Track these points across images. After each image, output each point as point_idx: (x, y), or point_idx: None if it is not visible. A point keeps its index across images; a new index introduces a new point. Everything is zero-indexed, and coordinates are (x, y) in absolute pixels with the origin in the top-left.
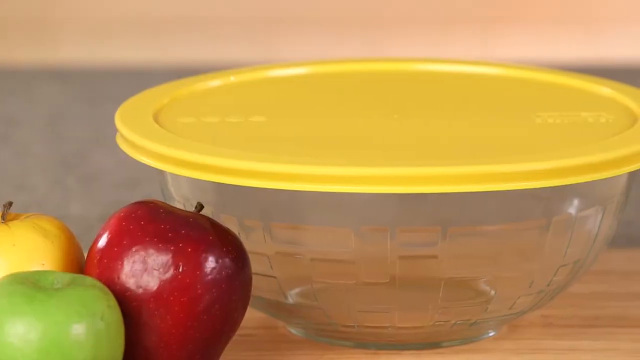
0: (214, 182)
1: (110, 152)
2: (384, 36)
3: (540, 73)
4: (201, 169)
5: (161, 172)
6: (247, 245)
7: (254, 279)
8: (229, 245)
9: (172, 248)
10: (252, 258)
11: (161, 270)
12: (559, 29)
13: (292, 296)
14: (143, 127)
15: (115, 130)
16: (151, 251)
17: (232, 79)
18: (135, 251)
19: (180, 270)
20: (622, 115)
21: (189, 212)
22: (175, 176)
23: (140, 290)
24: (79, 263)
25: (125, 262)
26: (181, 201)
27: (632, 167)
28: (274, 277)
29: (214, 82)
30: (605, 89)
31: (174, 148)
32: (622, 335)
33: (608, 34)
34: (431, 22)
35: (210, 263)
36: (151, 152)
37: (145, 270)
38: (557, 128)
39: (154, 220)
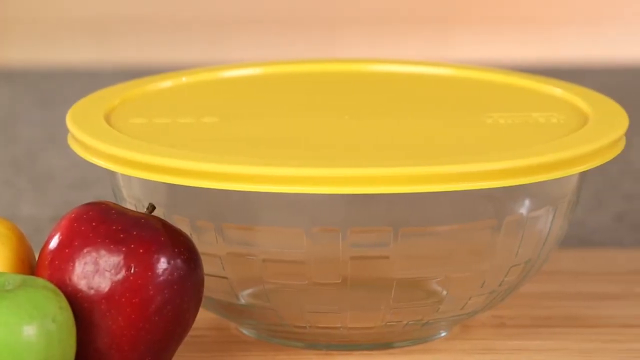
0: (166, 183)
1: (61, 153)
2: (337, 37)
3: (492, 73)
4: (152, 170)
5: (112, 173)
6: (199, 246)
7: (206, 280)
8: (181, 246)
9: (123, 249)
10: (204, 259)
11: (113, 271)
12: (512, 30)
13: (244, 297)
14: (94, 128)
15: (67, 131)
16: (103, 252)
17: (184, 79)
18: (86, 252)
19: (132, 271)
20: (573, 115)
21: (141, 213)
22: (127, 177)
23: (92, 292)
24: (30, 264)
25: (77, 264)
26: (133, 202)
27: (583, 168)
28: (226, 278)
29: (165, 83)
30: (556, 90)
31: (125, 149)
32: (573, 336)
33: (560, 35)
34: (385, 22)
35: (162, 264)
36: (102, 153)
37: (97, 271)
38: (508, 128)
39: (106, 221)
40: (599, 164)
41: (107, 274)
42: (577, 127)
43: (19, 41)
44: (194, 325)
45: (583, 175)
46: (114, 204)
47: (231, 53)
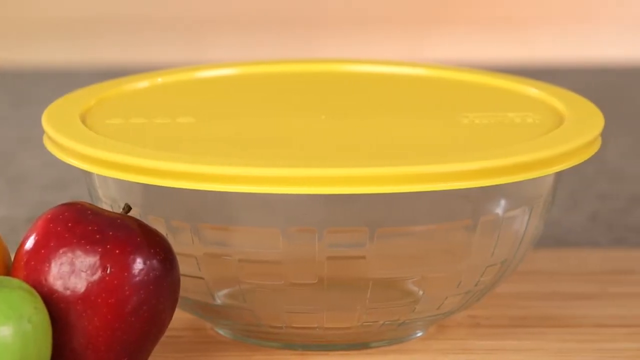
0: (141, 184)
1: (37, 153)
2: (313, 37)
3: (467, 74)
4: (128, 170)
5: (88, 174)
6: (175, 246)
7: (182, 280)
8: (157, 247)
9: (99, 250)
10: (180, 259)
11: (89, 272)
12: (487, 30)
13: (220, 297)
14: (70, 129)
15: (42, 131)
16: (78, 253)
17: (160, 80)
18: (62, 253)
19: (108, 272)
20: (548, 115)
21: (117, 213)
22: (103, 178)
23: (68, 292)
24: (5, 265)
25: (53, 264)
26: (109, 203)
27: (559, 168)
28: (202, 279)
29: (141, 83)
30: (532, 90)
31: (101, 149)
32: (548, 335)
33: (536, 35)
34: (360, 22)
35: (138, 265)
36: (78, 153)
37: (73, 272)
38: (484, 128)
39: (82, 222)
40: (574, 164)
41: (83, 274)
42: (553, 127)
43: None
44: (170, 325)
45: (559, 175)
46: (89, 204)
47: (208, 53)
